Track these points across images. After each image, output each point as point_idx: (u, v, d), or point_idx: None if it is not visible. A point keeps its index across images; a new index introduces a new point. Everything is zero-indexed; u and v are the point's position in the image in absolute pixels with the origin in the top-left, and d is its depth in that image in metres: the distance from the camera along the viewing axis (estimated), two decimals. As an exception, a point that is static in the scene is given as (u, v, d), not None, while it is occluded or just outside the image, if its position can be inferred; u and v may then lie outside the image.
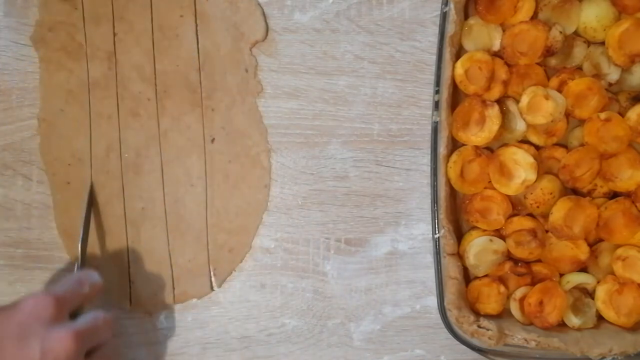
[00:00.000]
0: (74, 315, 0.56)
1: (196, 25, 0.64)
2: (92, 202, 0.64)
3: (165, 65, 0.65)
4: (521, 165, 0.60)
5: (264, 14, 0.65)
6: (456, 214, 0.63)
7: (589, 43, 0.62)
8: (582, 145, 0.61)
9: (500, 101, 0.61)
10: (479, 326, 0.58)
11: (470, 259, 0.60)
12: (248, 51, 0.65)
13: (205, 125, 0.65)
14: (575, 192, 0.62)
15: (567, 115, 0.61)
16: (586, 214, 0.59)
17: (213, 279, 0.65)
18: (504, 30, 0.62)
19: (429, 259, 0.65)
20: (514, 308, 0.61)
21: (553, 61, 0.62)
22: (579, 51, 0.62)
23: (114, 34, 0.65)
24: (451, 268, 0.60)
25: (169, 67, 0.65)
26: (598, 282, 0.61)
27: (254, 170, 0.65)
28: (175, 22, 0.64)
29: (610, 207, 0.60)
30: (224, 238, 0.65)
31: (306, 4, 0.66)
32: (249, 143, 0.65)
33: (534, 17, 0.61)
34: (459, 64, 0.61)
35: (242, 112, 0.65)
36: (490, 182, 0.61)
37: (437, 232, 0.60)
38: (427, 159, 0.64)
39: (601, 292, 0.60)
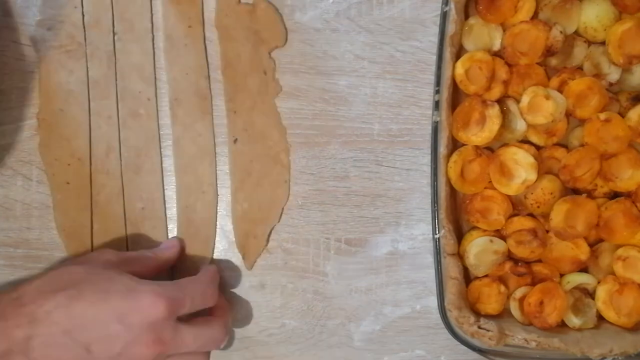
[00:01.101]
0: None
1: (204, 35, 0.64)
2: None
3: (175, 73, 0.64)
4: (521, 165, 0.60)
5: (282, 21, 0.65)
6: (456, 214, 0.63)
7: (589, 43, 0.62)
8: (582, 145, 0.61)
9: (500, 101, 0.61)
10: (479, 327, 0.58)
11: (471, 259, 0.60)
12: (267, 55, 0.65)
13: (229, 127, 0.65)
14: (575, 192, 0.62)
15: (568, 115, 0.61)
16: (586, 210, 0.59)
17: (213, 279, 0.65)
18: (504, 30, 0.61)
19: (430, 259, 0.65)
20: (514, 308, 0.60)
21: (553, 61, 0.62)
22: (580, 51, 0.62)
23: (114, 34, 0.65)
24: (451, 268, 0.59)
25: (178, 75, 0.64)
26: (598, 283, 0.61)
27: (275, 168, 0.65)
28: (183, 32, 0.64)
29: (610, 207, 0.60)
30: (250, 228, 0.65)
31: (306, 4, 0.66)
32: (269, 143, 0.65)
33: (535, 17, 0.61)
34: (459, 63, 0.60)
35: (263, 113, 0.65)
36: (490, 182, 0.61)
37: (437, 232, 0.60)
38: (427, 159, 0.64)
39: (601, 292, 0.60)
